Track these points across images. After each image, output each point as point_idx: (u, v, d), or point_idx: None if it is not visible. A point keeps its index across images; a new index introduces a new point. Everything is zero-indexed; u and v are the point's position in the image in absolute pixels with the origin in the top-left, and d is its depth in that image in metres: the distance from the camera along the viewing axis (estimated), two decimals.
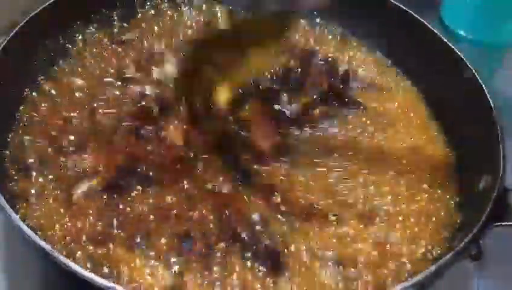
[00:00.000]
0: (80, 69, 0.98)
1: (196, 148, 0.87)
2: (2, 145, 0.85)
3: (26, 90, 0.92)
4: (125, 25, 1.07)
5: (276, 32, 0.86)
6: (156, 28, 1.08)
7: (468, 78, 0.92)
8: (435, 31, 1.00)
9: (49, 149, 0.86)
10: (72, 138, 0.87)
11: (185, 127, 0.89)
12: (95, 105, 0.92)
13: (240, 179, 0.84)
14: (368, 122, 0.96)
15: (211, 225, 0.79)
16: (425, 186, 0.88)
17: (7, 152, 0.84)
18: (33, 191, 0.80)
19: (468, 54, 0.95)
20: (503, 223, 0.75)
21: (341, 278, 0.75)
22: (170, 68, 0.98)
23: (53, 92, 0.94)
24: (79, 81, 0.96)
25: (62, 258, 0.66)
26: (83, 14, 1.02)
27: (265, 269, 0.74)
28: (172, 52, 1.01)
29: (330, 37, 1.12)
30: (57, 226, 0.77)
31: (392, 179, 0.88)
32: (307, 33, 1.12)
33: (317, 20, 1.13)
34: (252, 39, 0.84)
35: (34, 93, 0.93)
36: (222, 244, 0.76)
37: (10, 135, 0.87)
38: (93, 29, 1.04)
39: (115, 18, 1.06)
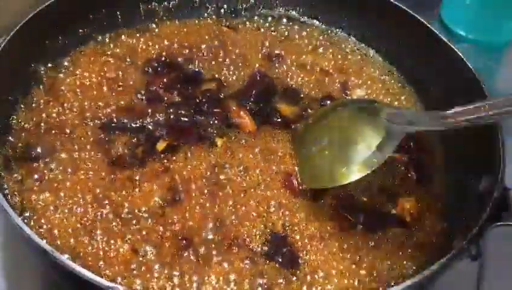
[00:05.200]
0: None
1: None
2: (2, 145, 0.85)
3: (26, 90, 0.93)
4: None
5: None
6: None
7: (468, 78, 0.92)
8: (435, 31, 1.00)
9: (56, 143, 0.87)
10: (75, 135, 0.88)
11: None
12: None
13: None
14: None
15: None
16: None
17: (8, 152, 0.85)
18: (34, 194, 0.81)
19: (468, 54, 0.95)
20: (503, 223, 0.75)
21: None
22: None
23: (53, 90, 0.94)
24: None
25: (62, 258, 0.66)
26: (83, 14, 1.02)
27: None
28: None
29: (329, 37, 1.12)
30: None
31: None
32: (307, 33, 1.12)
33: (317, 20, 1.13)
34: None
35: (34, 93, 0.93)
36: None
37: (10, 134, 0.87)
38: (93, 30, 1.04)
39: (119, 17, 1.06)
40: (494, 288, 0.89)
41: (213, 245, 0.78)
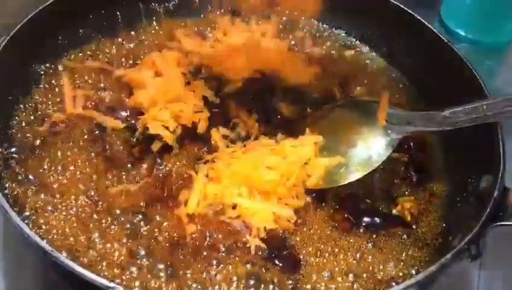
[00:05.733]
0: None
1: None
2: (2, 145, 0.85)
3: (26, 90, 0.93)
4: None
5: None
6: None
7: (468, 78, 0.92)
8: (435, 31, 1.00)
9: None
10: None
11: None
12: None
13: None
14: None
15: None
16: None
17: (7, 152, 0.85)
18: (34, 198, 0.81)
19: (468, 54, 0.95)
20: (503, 223, 0.75)
21: None
22: None
23: (53, 90, 0.94)
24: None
25: (62, 258, 0.66)
26: (83, 14, 1.02)
27: None
28: None
29: (330, 37, 1.12)
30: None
31: None
32: (307, 34, 1.12)
33: (317, 20, 1.13)
34: None
35: (34, 93, 0.93)
36: None
37: (10, 133, 0.87)
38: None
39: (119, 17, 1.06)
40: (494, 288, 0.89)
41: (212, 248, 0.78)
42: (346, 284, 0.77)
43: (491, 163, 0.80)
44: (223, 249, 0.78)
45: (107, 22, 1.05)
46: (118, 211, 0.80)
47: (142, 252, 0.76)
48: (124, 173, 0.85)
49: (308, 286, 0.76)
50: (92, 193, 0.82)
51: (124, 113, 0.92)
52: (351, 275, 0.78)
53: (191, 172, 0.84)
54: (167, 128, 0.89)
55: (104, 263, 0.75)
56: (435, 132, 0.95)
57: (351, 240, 0.81)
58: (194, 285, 0.74)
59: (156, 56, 0.97)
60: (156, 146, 0.88)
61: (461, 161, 0.90)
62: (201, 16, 1.12)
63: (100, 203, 0.81)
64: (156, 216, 0.80)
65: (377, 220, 0.84)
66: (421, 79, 1.03)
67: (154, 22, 1.09)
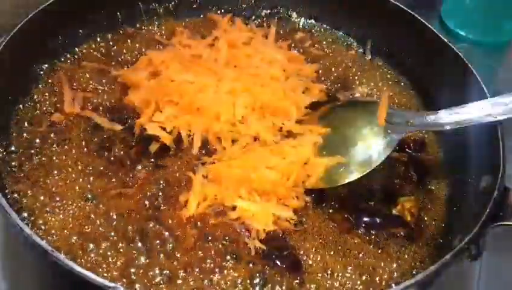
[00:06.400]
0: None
1: None
2: (2, 145, 0.85)
3: (26, 90, 0.93)
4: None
5: None
6: None
7: (468, 78, 0.92)
8: (435, 31, 1.00)
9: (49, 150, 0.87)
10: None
11: None
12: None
13: None
14: None
15: None
16: None
17: (7, 152, 0.85)
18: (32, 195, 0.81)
19: (468, 54, 0.95)
20: (503, 223, 0.75)
21: None
22: None
23: (52, 90, 0.94)
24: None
25: (62, 258, 0.66)
26: (83, 14, 1.02)
27: None
28: None
29: (330, 37, 1.12)
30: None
31: None
32: (306, 34, 1.12)
33: (317, 21, 1.13)
34: None
35: (34, 93, 0.93)
36: None
37: (9, 133, 0.87)
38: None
39: (119, 17, 1.06)
40: (494, 288, 0.89)
41: (213, 249, 0.78)
42: (346, 284, 0.77)
43: (491, 163, 0.80)
44: (224, 250, 0.78)
45: (107, 22, 1.05)
46: (116, 213, 0.80)
47: (142, 254, 0.76)
48: (122, 174, 0.85)
49: (308, 286, 0.76)
50: (90, 195, 0.82)
51: (122, 114, 0.92)
52: (351, 275, 0.78)
53: (190, 173, 0.84)
54: (164, 129, 0.89)
55: (103, 265, 0.75)
56: (435, 132, 0.95)
57: (351, 242, 0.81)
58: (195, 288, 0.74)
59: (153, 55, 0.97)
60: (153, 147, 0.88)
61: (461, 161, 0.90)
62: (201, 16, 1.12)
63: (99, 204, 0.81)
64: (155, 218, 0.80)
65: (377, 220, 0.84)
66: (420, 79, 1.03)
67: (155, 22, 1.09)
